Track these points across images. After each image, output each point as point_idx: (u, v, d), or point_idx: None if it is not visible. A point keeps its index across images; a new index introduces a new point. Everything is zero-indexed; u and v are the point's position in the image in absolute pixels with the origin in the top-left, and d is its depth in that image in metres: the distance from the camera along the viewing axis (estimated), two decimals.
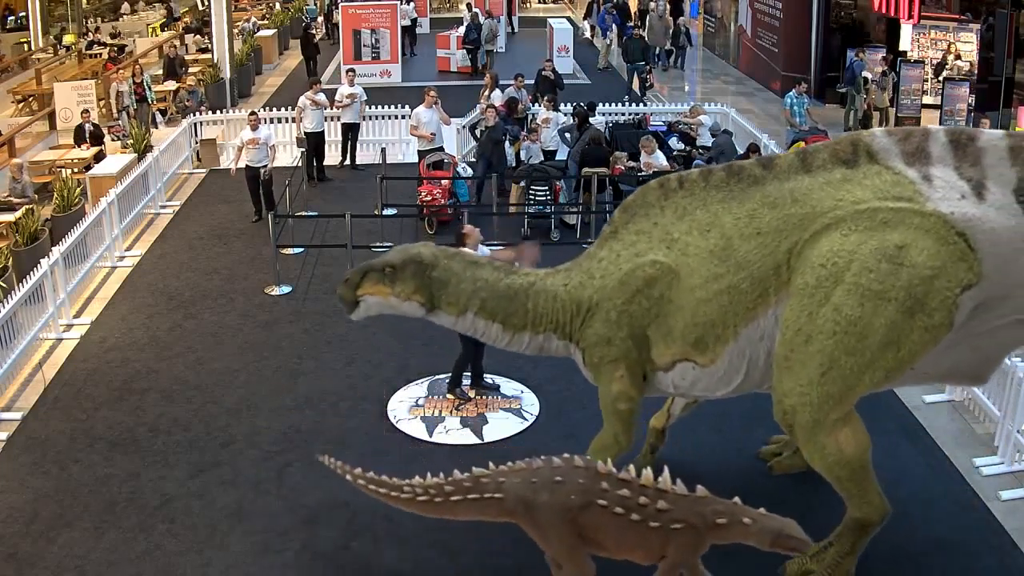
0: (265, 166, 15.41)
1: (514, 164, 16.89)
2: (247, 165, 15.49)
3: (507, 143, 16.63)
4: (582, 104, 17.35)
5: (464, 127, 18.39)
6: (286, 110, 19.25)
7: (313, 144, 17.51)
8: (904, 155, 7.06)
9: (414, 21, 31.50)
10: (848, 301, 6.74)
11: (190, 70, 24.71)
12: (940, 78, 20.38)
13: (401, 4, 30.69)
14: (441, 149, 16.44)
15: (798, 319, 6.88)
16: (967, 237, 6.76)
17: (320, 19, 34.10)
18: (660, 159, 15.46)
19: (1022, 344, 7.87)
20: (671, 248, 7.36)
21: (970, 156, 6.92)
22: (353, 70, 19.45)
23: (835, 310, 6.76)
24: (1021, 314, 7.07)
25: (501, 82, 19.26)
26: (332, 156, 18.56)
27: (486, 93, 17.98)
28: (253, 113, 16.11)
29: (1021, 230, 6.78)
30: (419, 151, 16.57)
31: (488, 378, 10.41)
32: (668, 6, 29.71)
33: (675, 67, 28.02)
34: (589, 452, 8.00)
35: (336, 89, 18.96)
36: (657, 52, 27.52)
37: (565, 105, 18.20)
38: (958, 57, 20.35)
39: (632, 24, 29.00)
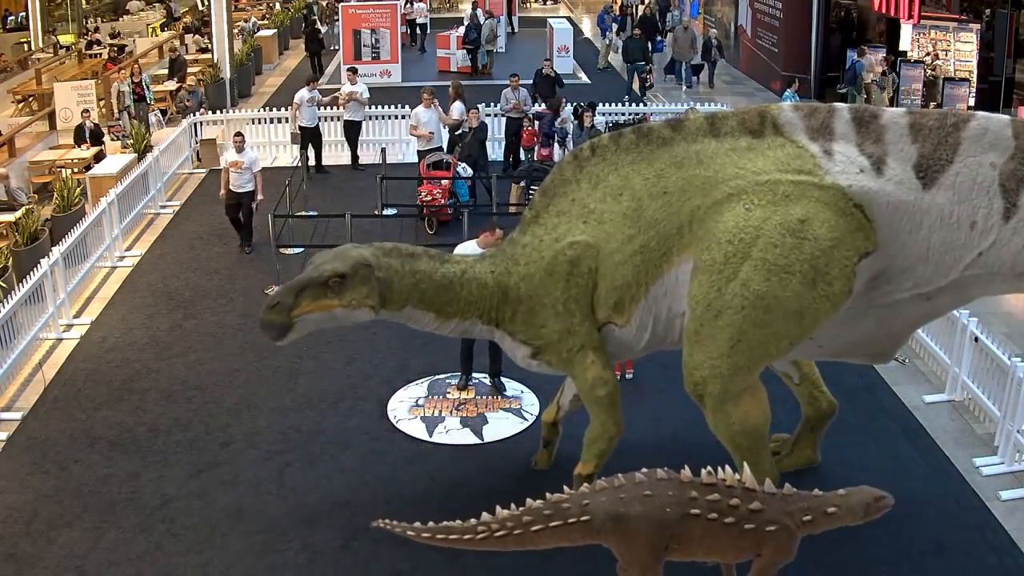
0: (250, 192, 14.13)
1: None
2: (229, 190, 14.13)
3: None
4: (582, 104, 17.34)
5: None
6: (286, 110, 19.25)
7: (308, 139, 17.54)
8: (808, 130, 7.29)
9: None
10: (755, 276, 6.96)
11: (190, 70, 24.71)
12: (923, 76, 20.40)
13: (415, 3, 30.76)
14: (441, 149, 16.43)
15: (707, 295, 7.10)
16: (864, 208, 7.00)
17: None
18: None
19: (925, 321, 8.12)
20: (588, 221, 7.59)
21: (872, 133, 7.16)
22: (355, 69, 19.43)
23: (743, 285, 6.99)
24: (922, 289, 7.25)
25: (498, 82, 19.13)
26: (333, 156, 18.58)
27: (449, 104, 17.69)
28: (239, 133, 14.73)
29: (920, 205, 6.99)
30: (419, 151, 16.57)
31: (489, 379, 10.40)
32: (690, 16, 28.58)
33: (709, 86, 25.32)
34: (584, 446, 8.06)
35: (339, 88, 18.99)
36: (683, 66, 25.35)
37: (568, 105, 18.19)
38: (938, 57, 20.33)
39: (661, 39, 28.30)
